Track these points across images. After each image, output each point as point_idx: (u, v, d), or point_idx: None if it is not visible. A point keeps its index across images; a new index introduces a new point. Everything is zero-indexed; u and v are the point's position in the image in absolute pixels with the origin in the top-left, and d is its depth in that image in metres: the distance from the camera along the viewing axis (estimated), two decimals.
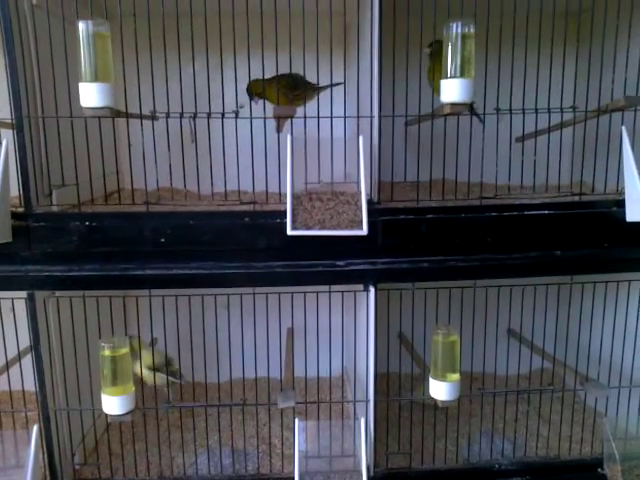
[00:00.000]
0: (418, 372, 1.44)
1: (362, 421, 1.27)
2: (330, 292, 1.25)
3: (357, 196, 1.13)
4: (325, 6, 1.15)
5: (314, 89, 1.36)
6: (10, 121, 1.13)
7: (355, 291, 1.26)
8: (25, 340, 1.32)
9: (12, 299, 1.22)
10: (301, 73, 1.28)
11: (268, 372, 1.30)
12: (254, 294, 1.24)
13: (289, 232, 1.09)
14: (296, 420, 1.27)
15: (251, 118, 1.17)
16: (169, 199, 1.19)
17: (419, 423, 1.44)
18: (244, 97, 1.27)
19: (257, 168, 1.22)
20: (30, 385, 1.28)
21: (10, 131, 1.16)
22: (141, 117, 1.15)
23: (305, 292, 1.24)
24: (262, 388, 1.53)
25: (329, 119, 1.20)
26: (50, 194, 1.19)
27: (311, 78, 1.28)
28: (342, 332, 1.32)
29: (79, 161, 1.17)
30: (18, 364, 1.36)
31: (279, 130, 1.35)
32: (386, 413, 1.34)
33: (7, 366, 1.33)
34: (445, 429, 1.41)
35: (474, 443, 1.41)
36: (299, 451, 1.25)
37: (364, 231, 1.10)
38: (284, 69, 1.22)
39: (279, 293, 1.24)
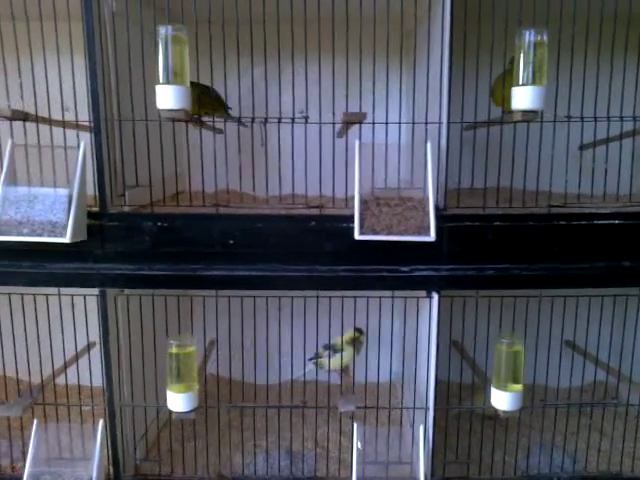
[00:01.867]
0: (473, 381, 1.42)
1: (421, 429, 1.27)
2: (393, 297, 1.25)
3: (424, 202, 1.13)
4: (384, 14, 1.16)
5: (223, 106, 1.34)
6: (88, 124, 1.17)
7: (418, 297, 1.26)
8: (88, 336, 1.37)
9: (84, 296, 1.26)
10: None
11: (329, 376, 1.31)
12: (317, 297, 1.24)
13: (357, 237, 1.10)
14: (354, 425, 1.27)
15: (320, 123, 1.18)
16: (237, 202, 1.21)
17: (475, 433, 1.43)
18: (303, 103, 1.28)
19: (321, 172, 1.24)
20: (87, 380, 1.32)
21: (85, 132, 1.20)
22: (214, 121, 1.17)
23: (368, 297, 1.25)
24: (313, 391, 1.54)
25: (384, 124, 1.21)
26: (123, 194, 1.23)
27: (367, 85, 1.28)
28: (403, 338, 1.31)
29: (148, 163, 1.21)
30: (81, 359, 1.41)
31: (340, 135, 1.36)
32: (444, 421, 1.33)
33: (77, 358, 1.37)
34: (504, 440, 1.38)
35: (533, 455, 1.39)
36: (357, 456, 1.25)
37: (432, 237, 1.09)
38: (341, 76, 1.23)
39: (342, 297, 1.25)
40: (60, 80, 1.18)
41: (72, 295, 1.26)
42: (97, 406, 1.38)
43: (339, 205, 1.24)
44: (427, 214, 1.12)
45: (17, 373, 1.32)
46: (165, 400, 1.21)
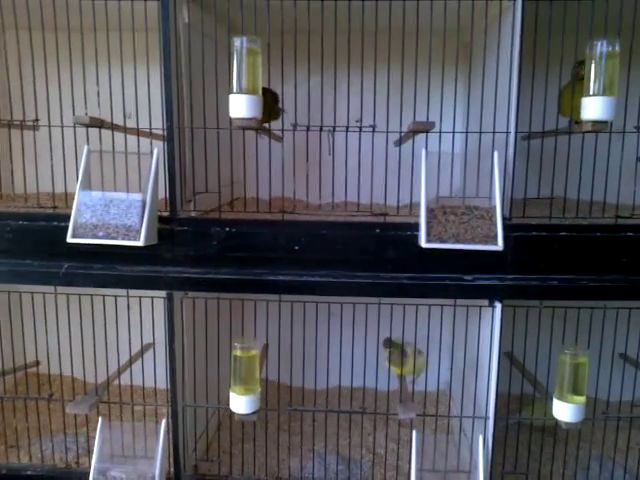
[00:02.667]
0: (534, 393, 1.41)
1: (480, 438, 1.26)
2: (455, 306, 1.26)
3: (491, 211, 1.13)
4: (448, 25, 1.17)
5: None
6: (161, 131, 1.20)
7: (480, 306, 1.26)
8: (154, 337, 1.41)
9: (152, 298, 1.29)
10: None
11: (388, 384, 1.32)
12: (379, 304, 1.26)
13: (424, 245, 1.11)
14: (414, 432, 1.28)
15: (387, 132, 1.20)
16: (303, 209, 1.24)
17: (530, 444, 1.41)
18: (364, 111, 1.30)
19: (380, 180, 1.25)
20: (145, 381, 1.35)
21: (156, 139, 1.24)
22: (282, 130, 1.20)
23: (430, 305, 1.25)
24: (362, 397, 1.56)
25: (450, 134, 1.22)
26: (191, 200, 1.26)
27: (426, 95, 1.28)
28: (464, 347, 1.31)
29: (212, 169, 1.24)
30: (141, 359, 1.45)
31: (399, 144, 1.37)
32: (504, 432, 1.32)
33: (142, 355, 1.41)
34: (564, 453, 1.37)
35: (592, 469, 1.37)
36: (416, 464, 1.26)
37: (499, 246, 1.10)
38: (409, 85, 1.24)
39: (404, 305, 1.26)
40: (135, 89, 1.21)
41: (140, 297, 1.30)
42: (154, 406, 1.41)
43: (402, 213, 1.25)
44: (494, 223, 1.12)
45: (84, 374, 1.35)
46: (222, 402, 1.23)
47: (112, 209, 1.17)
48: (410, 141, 1.27)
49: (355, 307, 1.27)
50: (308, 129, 1.18)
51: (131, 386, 1.37)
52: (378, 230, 1.20)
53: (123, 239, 1.15)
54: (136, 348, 1.39)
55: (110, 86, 1.22)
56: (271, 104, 1.28)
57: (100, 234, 1.16)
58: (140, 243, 1.14)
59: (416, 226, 1.16)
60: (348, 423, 1.43)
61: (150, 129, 1.22)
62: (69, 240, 1.14)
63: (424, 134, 1.19)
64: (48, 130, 1.25)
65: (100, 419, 1.31)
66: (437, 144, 1.24)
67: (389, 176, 1.25)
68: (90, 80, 1.24)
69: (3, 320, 1.37)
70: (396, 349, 1.42)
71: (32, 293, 1.31)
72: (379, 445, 1.45)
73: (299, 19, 1.14)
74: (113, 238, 1.15)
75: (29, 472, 1.37)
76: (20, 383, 1.67)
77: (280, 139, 1.34)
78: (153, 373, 1.33)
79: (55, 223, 1.23)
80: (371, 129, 1.18)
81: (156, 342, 1.44)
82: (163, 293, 1.25)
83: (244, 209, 1.25)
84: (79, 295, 1.30)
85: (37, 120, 1.27)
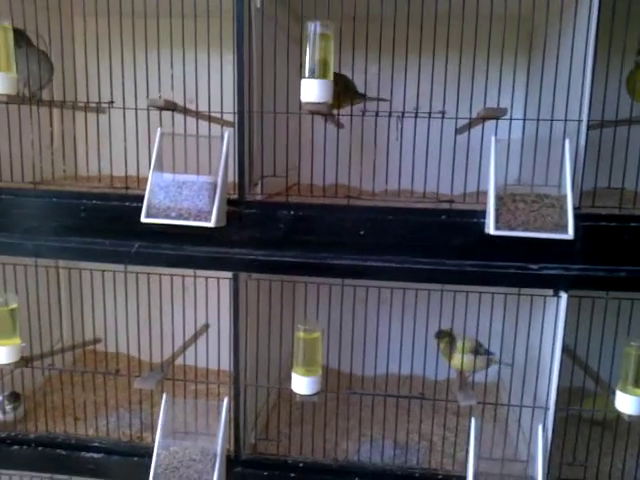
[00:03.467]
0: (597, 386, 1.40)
1: (540, 428, 1.26)
2: (519, 295, 1.25)
3: (561, 199, 1.12)
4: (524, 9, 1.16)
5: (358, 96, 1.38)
6: (232, 115, 1.23)
7: (545, 296, 1.25)
8: (219, 319, 1.44)
9: (218, 279, 1.32)
10: None
11: (449, 373, 1.32)
12: (442, 291, 1.26)
13: (492, 232, 1.10)
14: (472, 420, 1.28)
15: (456, 118, 1.20)
16: (369, 194, 1.25)
17: (585, 437, 1.40)
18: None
19: (446, 167, 1.26)
20: (204, 361, 1.38)
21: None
22: (351, 115, 1.21)
23: (493, 293, 1.25)
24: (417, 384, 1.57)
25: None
26: (257, 183, 1.28)
27: (494, 82, 1.27)
28: (527, 337, 1.31)
29: (279, 154, 1.27)
30: (205, 339, 1.49)
31: (461, 131, 1.36)
32: (563, 425, 1.31)
33: (207, 335, 1.44)
34: (625, 447, 1.36)
35: None
36: (474, 451, 1.26)
37: (570, 235, 1.09)
38: (467, 71, 1.24)
39: (467, 292, 1.26)
40: (209, 74, 1.24)
41: (206, 277, 1.33)
42: (216, 384, 1.44)
43: (469, 201, 1.25)
44: (564, 212, 1.11)
45: (151, 353, 1.39)
46: (281, 383, 1.25)
47: (184, 191, 1.20)
48: (472, 129, 1.27)
49: (418, 294, 1.28)
50: (377, 115, 1.19)
51: (195, 365, 1.41)
52: (444, 217, 1.20)
53: (195, 220, 1.18)
54: (199, 328, 1.42)
55: (184, 71, 1.25)
56: (341, 89, 1.29)
57: (172, 215, 1.19)
58: (211, 224, 1.17)
59: (483, 213, 1.16)
60: (405, 410, 1.44)
61: (222, 113, 1.25)
62: (143, 220, 1.18)
63: (493, 121, 1.19)
64: (123, 112, 1.29)
65: (164, 395, 1.35)
66: (503, 131, 1.24)
67: (455, 164, 1.25)
68: (162, 65, 1.27)
69: (73, 297, 1.42)
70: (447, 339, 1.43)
71: (103, 271, 1.36)
72: (435, 433, 1.46)
73: (371, 5, 1.15)
74: (185, 219, 1.19)
75: (96, 443, 1.42)
76: (81, 359, 1.73)
77: (342, 126, 1.36)
78: (216, 353, 1.35)
79: (127, 203, 1.27)
80: (440, 115, 1.18)
81: (217, 322, 1.48)
82: (229, 274, 1.28)
83: (310, 193, 1.26)
84: (147, 274, 1.34)
85: (112, 102, 1.30)
